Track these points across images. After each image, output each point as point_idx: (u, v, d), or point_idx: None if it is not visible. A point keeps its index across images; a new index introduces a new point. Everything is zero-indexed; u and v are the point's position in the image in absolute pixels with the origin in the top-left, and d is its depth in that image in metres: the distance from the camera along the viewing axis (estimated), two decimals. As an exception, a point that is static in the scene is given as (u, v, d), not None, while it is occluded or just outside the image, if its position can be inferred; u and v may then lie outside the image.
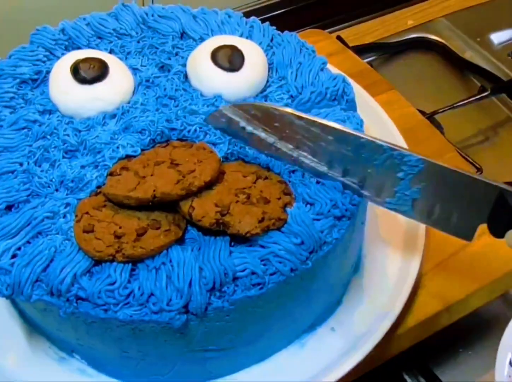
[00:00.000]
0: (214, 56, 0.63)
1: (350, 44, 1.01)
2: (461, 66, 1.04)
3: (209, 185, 0.54)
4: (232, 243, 0.54)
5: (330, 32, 1.03)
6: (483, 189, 0.54)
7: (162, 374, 0.59)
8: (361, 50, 1.02)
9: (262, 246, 0.53)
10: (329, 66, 0.68)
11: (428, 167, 0.55)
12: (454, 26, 1.08)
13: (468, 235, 0.58)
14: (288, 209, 0.55)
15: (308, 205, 0.56)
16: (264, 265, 0.53)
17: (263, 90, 0.65)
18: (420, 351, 0.71)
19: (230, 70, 0.63)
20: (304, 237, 0.53)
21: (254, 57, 0.64)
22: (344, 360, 0.60)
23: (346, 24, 1.13)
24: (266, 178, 0.57)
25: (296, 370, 0.61)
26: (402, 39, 1.08)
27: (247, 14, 0.72)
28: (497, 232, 0.55)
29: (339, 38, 1.01)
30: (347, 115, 0.62)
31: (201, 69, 0.63)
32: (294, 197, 0.56)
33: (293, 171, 0.58)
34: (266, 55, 0.67)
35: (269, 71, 0.66)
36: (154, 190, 0.53)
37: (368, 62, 0.97)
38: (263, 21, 0.71)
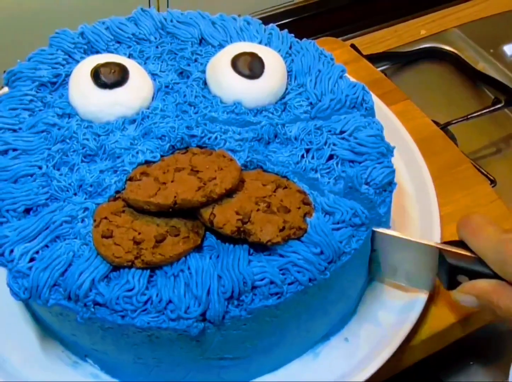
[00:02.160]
0: (235, 63, 0.63)
1: (363, 53, 1.01)
2: (474, 77, 1.04)
3: (229, 193, 0.54)
4: (251, 252, 0.53)
5: (343, 40, 1.03)
6: (427, 250, 0.60)
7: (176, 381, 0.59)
8: (374, 59, 1.01)
9: (281, 255, 0.53)
10: (346, 74, 0.67)
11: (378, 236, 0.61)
12: (467, 37, 1.08)
13: (427, 287, 0.64)
14: (307, 219, 0.54)
15: (327, 215, 0.56)
16: (283, 275, 0.53)
17: (282, 97, 0.65)
18: (432, 362, 0.71)
19: (250, 77, 0.63)
20: (324, 247, 0.53)
21: (274, 64, 0.64)
22: (357, 371, 0.60)
23: (359, 32, 1.13)
24: (285, 187, 0.57)
25: (309, 379, 0.61)
26: (415, 48, 1.08)
27: (262, 20, 0.71)
28: (446, 285, 0.60)
29: (353, 46, 1.01)
30: (367, 121, 0.62)
31: (222, 75, 0.63)
32: (314, 207, 0.56)
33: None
34: (285, 63, 0.67)
35: (288, 78, 0.66)
36: (175, 197, 0.53)
37: (381, 71, 0.97)
38: (278, 27, 0.71)
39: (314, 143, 0.60)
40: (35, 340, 0.62)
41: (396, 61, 1.07)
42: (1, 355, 0.61)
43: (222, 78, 0.63)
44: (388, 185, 0.59)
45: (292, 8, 1.11)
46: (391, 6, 1.16)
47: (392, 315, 0.65)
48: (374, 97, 0.79)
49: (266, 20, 0.72)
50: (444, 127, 0.90)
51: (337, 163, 0.59)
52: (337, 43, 0.98)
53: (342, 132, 0.61)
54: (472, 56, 1.07)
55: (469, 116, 0.93)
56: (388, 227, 0.63)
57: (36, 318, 0.63)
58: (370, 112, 0.64)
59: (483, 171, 0.84)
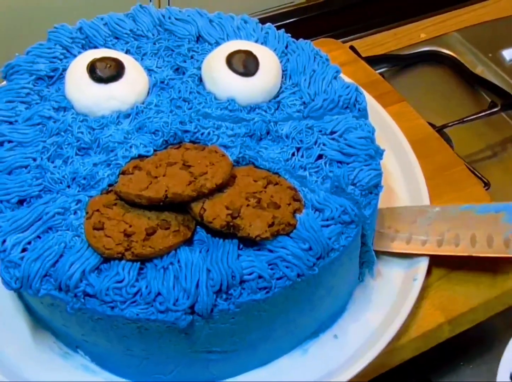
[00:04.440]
0: (229, 60, 0.63)
1: (362, 55, 1.01)
2: (472, 81, 1.04)
3: (220, 188, 0.55)
4: (240, 246, 0.54)
5: (343, 42, 1.04)
6: None
7: (165, 374, 0.59)
8: (373, 61, 1.02)
9: (270, 250, 0.54)
10: (341, 75, 0.68)
11: None
12: (466, 41, 1.09)
13: None
14: (297, 215, 0.55)
15: (317, 212, 0.56)
16: (271, 270, 0.53)
17: (276, 96, 0.65)
18: (421, 363, 0.71)
19: (245, 74, 0.63)
20: (312, 243, 0.54)
21: (269, 63, 0.65)
22: (346, 369, 0.61)
23: (359, 34, 1.14)
24: (276, 183, 0.57)
25: (298, 376, 0.62)
26: (414, 51, 1.08)
27: (261, 21, 0.72)
28: None
29: (352, 48, 1.02)
30: (358, 122, 0.63)
31: (216, 72, 0.64)
32: (304, 204, 0.57)
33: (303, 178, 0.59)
34: (281, 62, 0.67)
35: (282, 77, 0.67)
36: (166, 190, 0.53)
37: (380, 73, 0.97)
38: (277, 28, 0.71)
39: (305, 142, 0.61)
40: (27, 330, 0.63)
41: (395, 63, 1.07)
42: (-8, 344, 0.62)
43: (217, 75, 0.63)
44: (374, 188, 0.59)
45: (292, 9, 1.11)
46: (391, 10, 1.16)
47: (381, 314, 0.65)
48: (370, 98, 0.80)
49: (266, 21, 0.73)
50: (440, 130, 0.91)
51: (325, 163, 0.60)
52: (336, 44, 0.99)
53: (332, 132, 0.61)
54: (471, 60, 1.07)
55: (465, 119, 0.93)
56: (373, 230, 0.63)
57: (28, 309, 0.64)
58: (362, 113, 0.65)
59: (477, 173, 0.84)
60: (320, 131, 0.62)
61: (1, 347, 0.62)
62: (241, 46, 0.66)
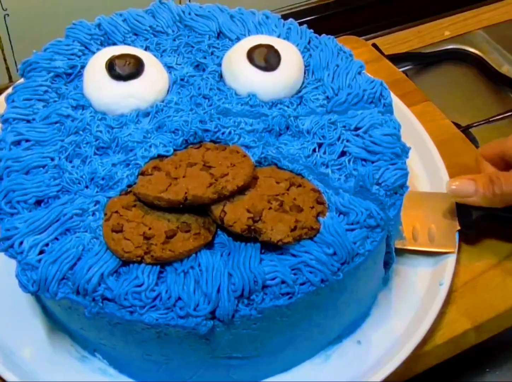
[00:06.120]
0: (250, 54, 0.62)
1: (385, 53, 1.00)
2: (497, 80, 1.02)
3: (241, 190, 0.53)
4: (263, 250, 0.52)
5: (365, 40, 1.02)
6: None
7: (184, 379, 0.58)
8: (395, 59, 1.00)
9: (293, 255, 0.52)
10: (365, 71, 0.66)
11: None
12: (491, 39, 1.06)
13: (452, 245, 0.68)
14: (321, 219, 0.53)
15: (342, 216, 0.55)
16: (295, 275, 0.52)
17: (299, 91, 0.64)
18: (446, 369, 0.70)
19: (266, 69, 0.62)
20: (337, 248, 0.52)
21: (291, 57, 0.64)
22: (369, 375, 0.59)
23: (381, 32, 1.11)
24: (299, 185, 0.56)
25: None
26: (438, 49, 1.06)
27: (282, 18, 0.71)
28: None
29: (374, 45, 1.00)
30: (384, 118, 0.61)
31: (237, 67, 0.62)
32: (328, 207, 0.55)
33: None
34: (303, 57, 0.66)
35: (305, 73, 0.65)
36: (185, 193, 0.52)
37: (403, 72, 0.95)
38: (299, 25, 0.70)
39: (327, 138, 0.59)
40: (44, 333, 0.62)
41: (418, 62, 1.05)
42: (10, 347, 0.61)
43: (238, 70, 0.62)
44: (400, 188, 0.57)
45: (313, 6, 1.09)
46: (415, 7, 1.14)
47: (406, 320, 0.64)
48: (394, 97, 0.78)
49: (287, 18, 0.71)
50: (465, 130, 0.89)
51: (349, 160, 0.58)
52: (358, 42, 0.97)
53: (357, 128, 0.60)
54: (496, 58, 1.05)
55: (491, 119, 0.91)
56: (397, 231, 0.61)
57: (46, 311, 0.63)
58: (388, 108, 0.63)
59: (503, 175, 0.82)
60: (344, 126, 0.60)
61: (18, 350, 0.61)
62: (262, 40, 0.64)
